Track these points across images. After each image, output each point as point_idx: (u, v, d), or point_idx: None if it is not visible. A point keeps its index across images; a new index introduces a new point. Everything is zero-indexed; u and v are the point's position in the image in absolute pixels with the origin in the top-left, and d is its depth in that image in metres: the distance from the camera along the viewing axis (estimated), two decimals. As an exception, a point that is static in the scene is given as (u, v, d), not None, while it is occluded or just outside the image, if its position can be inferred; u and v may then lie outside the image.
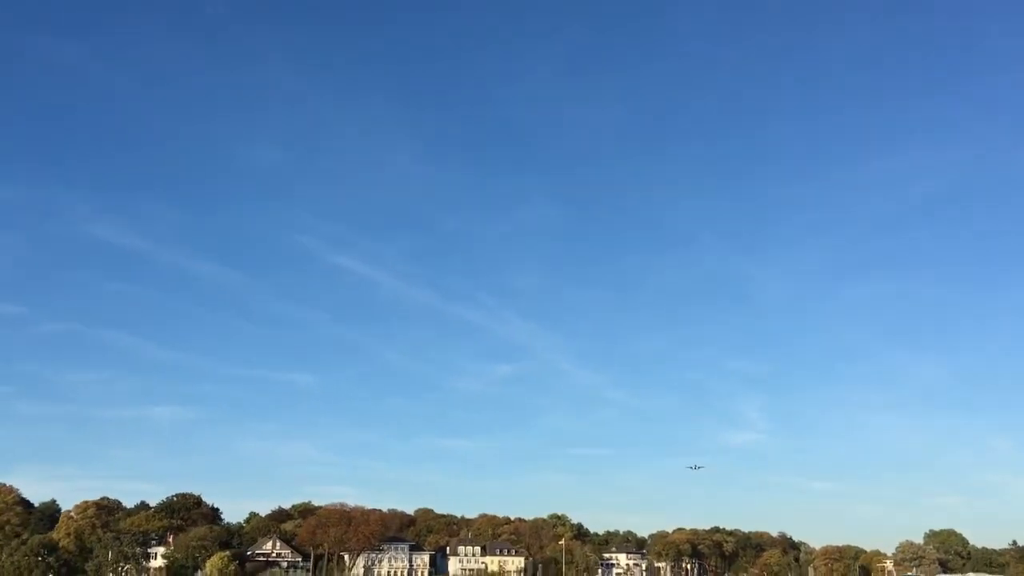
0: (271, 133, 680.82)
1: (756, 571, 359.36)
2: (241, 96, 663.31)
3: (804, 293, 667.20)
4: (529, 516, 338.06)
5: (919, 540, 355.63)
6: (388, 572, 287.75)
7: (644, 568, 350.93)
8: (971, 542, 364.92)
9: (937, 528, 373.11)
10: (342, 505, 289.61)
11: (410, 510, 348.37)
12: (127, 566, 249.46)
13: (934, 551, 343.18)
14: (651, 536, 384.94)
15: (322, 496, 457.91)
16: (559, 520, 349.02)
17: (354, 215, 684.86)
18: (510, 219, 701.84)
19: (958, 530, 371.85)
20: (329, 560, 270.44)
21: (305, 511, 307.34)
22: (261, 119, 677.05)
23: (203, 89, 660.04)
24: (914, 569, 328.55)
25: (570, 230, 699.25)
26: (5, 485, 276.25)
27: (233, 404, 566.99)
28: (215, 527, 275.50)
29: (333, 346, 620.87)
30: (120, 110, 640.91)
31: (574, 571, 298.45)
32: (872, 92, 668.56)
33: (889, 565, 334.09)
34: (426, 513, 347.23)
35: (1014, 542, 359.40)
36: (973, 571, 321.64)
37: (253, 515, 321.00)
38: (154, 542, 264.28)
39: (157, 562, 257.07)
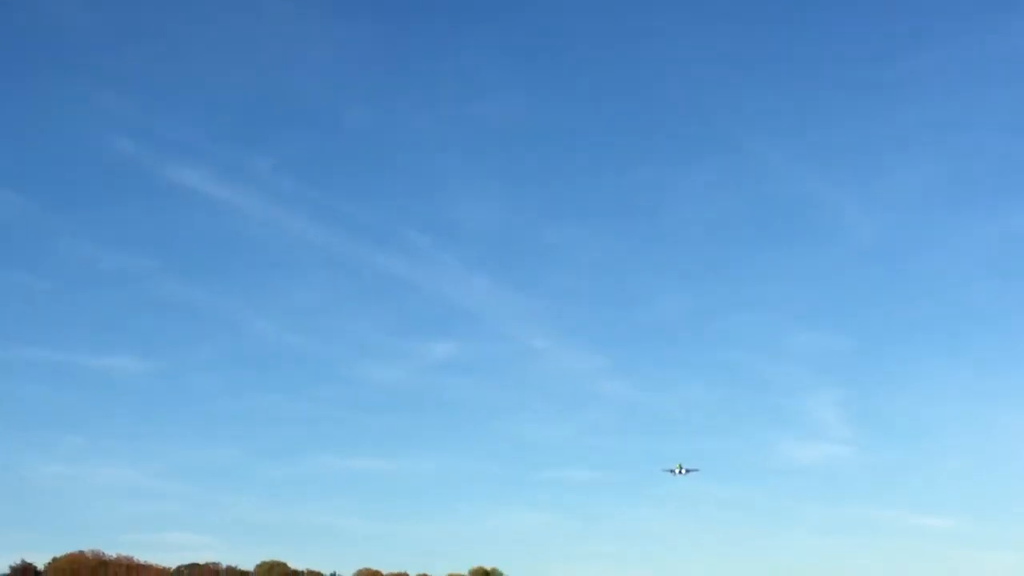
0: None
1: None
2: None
3: (911, 229, 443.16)
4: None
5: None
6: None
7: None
8: None
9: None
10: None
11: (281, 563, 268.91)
12: None
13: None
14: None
15: (152, 547, 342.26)
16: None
17: (206, 105, 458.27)
18: (453, 111, 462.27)
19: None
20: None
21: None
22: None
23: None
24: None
25: (546, 130, 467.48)
26: None
27: (9, 406, 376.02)
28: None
29: (172, 313, 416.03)
30: None
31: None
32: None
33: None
34: (272, 569, 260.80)
35: None
36: None
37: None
38: None
39: None
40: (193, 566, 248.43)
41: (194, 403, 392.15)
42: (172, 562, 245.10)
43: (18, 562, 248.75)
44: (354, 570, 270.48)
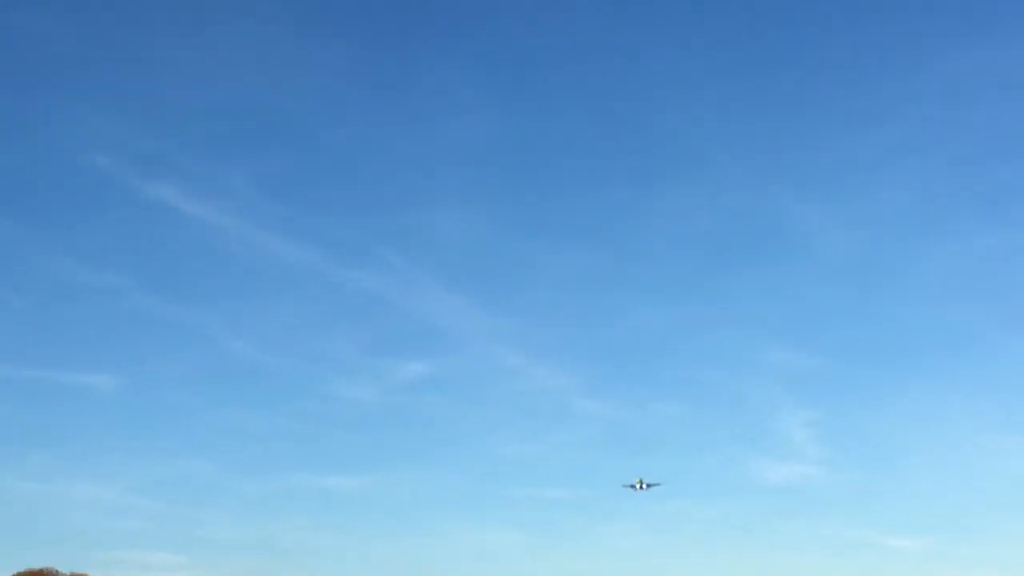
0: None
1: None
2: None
3: (884, 249, 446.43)
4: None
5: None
6: None
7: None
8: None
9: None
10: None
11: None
12: None
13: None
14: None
15: (121, 564, 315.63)
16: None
17: (182, 121, 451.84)
18: (429, 130, 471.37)
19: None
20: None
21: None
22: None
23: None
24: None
25: (522, 149, 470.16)
26: None
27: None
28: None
29: (146, 329, 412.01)
30: None
31: None
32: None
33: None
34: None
35: None
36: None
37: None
38: None
39: None
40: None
41: (167, 420, 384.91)
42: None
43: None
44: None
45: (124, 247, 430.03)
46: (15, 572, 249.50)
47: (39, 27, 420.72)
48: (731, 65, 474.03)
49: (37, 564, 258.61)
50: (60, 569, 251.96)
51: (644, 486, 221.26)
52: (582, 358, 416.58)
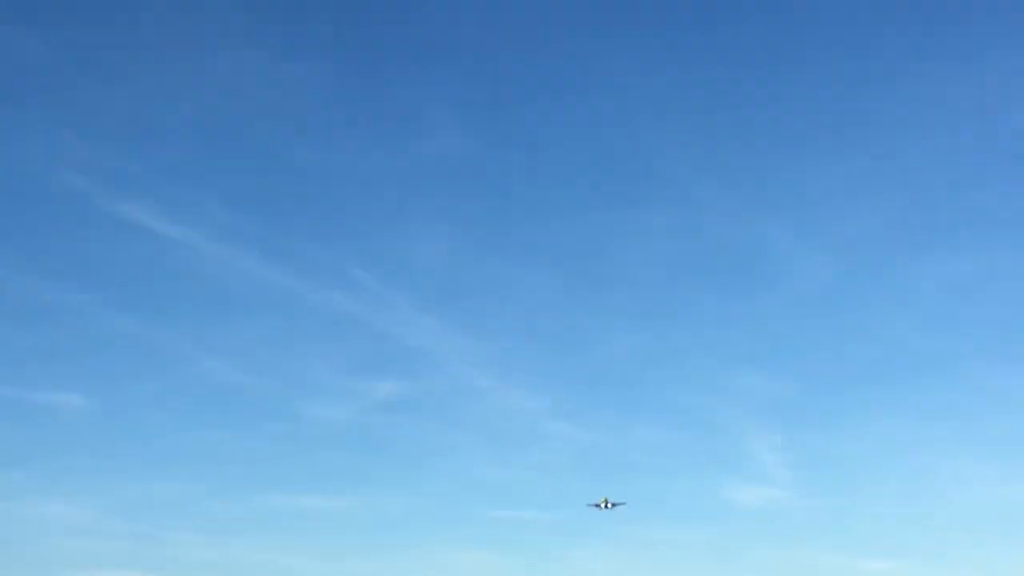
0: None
1: None
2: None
3: (856, 276, 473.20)
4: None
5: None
6: None
7: None
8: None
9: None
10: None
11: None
12: None
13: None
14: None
15: None
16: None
17: (153, 140, 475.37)
18: (404, 150, 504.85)
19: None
20: None
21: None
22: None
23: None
24: None
25: (496, 170, 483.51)
26: None
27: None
28: None
29: (119, 349, 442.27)
30: None
31: None
32: None
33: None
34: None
35: None
36: None
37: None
38: None
39: None
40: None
41: (140, 439, 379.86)
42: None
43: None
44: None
45: (96, 266, 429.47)
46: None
47: (10, 42, 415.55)
48: (708, 89, 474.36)
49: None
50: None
51: (609, 505, 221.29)
52: (555, 380, 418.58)
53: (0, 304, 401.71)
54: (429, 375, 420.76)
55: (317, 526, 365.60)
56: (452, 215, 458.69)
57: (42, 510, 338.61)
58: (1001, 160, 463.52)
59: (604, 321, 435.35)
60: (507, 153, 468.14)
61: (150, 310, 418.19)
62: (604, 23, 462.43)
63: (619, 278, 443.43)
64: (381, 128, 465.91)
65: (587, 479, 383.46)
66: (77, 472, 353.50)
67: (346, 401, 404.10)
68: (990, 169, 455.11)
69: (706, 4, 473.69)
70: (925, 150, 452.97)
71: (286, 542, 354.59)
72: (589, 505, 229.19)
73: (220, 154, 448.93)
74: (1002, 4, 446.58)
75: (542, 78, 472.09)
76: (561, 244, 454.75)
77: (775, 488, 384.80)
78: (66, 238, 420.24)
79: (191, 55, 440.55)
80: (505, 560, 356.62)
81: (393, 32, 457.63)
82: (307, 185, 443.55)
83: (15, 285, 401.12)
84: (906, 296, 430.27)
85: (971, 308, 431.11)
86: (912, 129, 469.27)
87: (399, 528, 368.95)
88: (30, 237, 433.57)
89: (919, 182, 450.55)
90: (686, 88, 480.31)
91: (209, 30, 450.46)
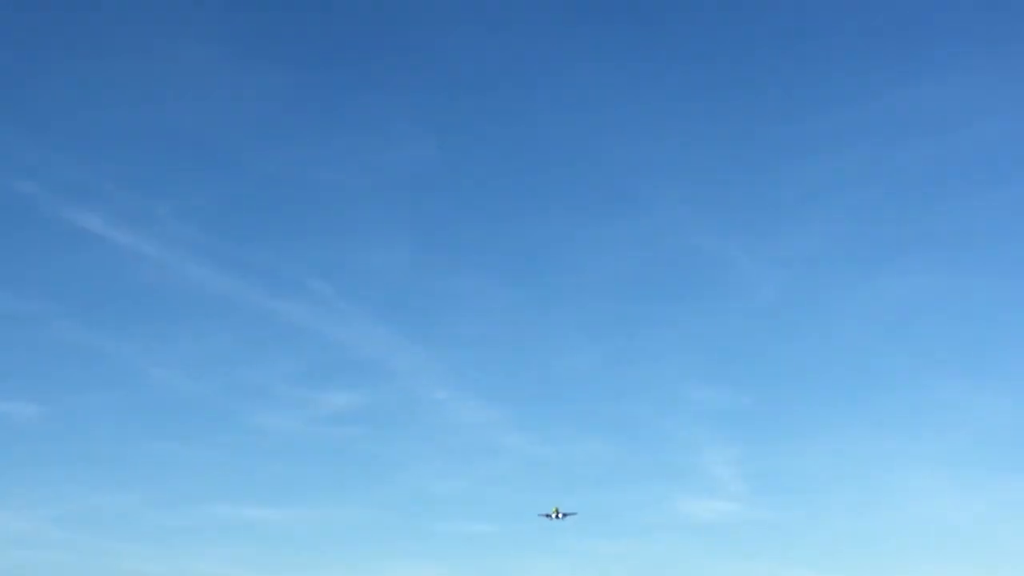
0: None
1: None
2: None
3: (810, 289, 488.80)
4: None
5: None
6: None
7: None
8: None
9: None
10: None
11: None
12: None
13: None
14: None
15: None
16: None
17: (107, 147, 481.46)
18: (360, 160, 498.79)
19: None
20: None
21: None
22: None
23: None
24: None
25: (453, 181, 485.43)
26: None
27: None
28: None
29: (69, 358, 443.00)
30: None
31: None
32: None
33: None
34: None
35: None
36: None
37: None
38: None
39: None
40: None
41: (89, 449, 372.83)
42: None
43: None
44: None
45: (47, 275, 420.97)
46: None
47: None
48: (667, 105, 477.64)
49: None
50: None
51: (560, 515, 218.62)
52: (508, 392, 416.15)
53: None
54: (383, 386, 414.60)
55: (265, 538, 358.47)
56: (410, 225, 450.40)
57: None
58: (954, 176, 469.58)
59: (560, 333, 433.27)
60: (466, 164, 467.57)
61: (101, 319, 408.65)
62: (566, 36, 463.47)
63: (576, 291, 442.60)
64: (339, 137, 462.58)
65: (541, 492, 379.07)
66: (25, 482, 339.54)
67: (298, 412, 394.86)
68: (943, 186, 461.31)
69: (667, 20, 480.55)
70: (879, 167, 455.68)
71: (233, 554, 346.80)
72: (540, 515, 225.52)
73: (175, 161, 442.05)
74: (948, 24, 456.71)
75: (503, 90, 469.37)
76: (519, 256, 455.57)
77: (730, 501, 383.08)
78: (16, 246, 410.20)
79: (148, 58, 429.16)
80: (456, 573, 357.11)
81: (352, 41, 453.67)
82: (262, 193, 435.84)
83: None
84: (860, 310, 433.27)
85: (924, 322, 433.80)
86: (867, 146, 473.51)
87: (350, 541, 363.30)
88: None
89: (873, 198, 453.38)
90: (646, 103, 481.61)
91: (167, 32, 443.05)
